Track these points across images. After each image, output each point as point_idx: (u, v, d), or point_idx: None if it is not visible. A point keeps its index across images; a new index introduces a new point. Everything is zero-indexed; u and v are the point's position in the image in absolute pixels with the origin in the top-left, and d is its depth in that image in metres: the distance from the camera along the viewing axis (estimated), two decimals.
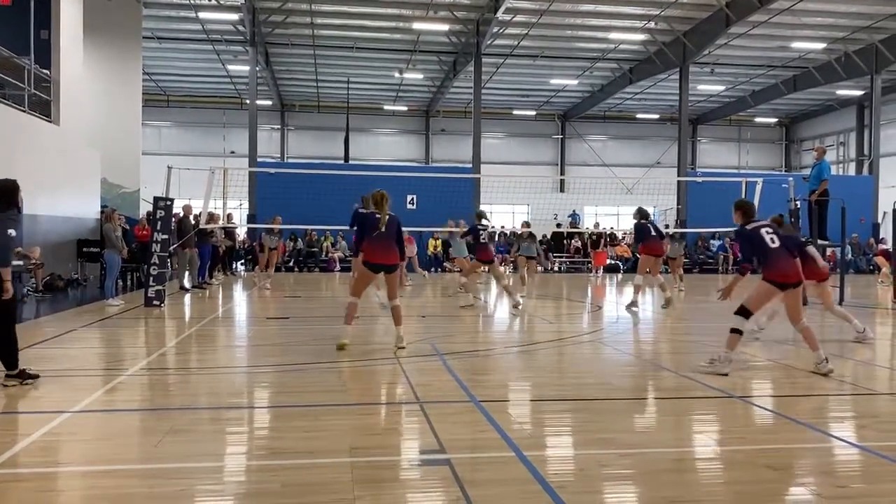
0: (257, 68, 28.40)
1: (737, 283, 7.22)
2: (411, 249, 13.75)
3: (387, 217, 8.14)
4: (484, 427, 4.92)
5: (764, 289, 6.87)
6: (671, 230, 19.20)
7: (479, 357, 8.05)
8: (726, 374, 6.64)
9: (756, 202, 15.62)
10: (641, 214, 13.52)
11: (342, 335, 8.05)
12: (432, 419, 5.07)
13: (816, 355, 6.86)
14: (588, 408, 5.63)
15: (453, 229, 16.41)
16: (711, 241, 29.71)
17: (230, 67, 31.75)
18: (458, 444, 4.51)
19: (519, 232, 17.83)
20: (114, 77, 22.14)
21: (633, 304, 12.93)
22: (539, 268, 22.59)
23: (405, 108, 39.37)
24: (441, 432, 4.73)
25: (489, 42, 27.83)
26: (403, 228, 8.47)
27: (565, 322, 11.88)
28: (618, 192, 32.00)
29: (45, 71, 16.66)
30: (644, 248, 13.20)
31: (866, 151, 34.46)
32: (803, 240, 10.02)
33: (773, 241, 6.87)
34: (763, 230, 6.95)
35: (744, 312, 6.83)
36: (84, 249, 17.60)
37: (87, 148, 19.33)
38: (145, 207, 21.41)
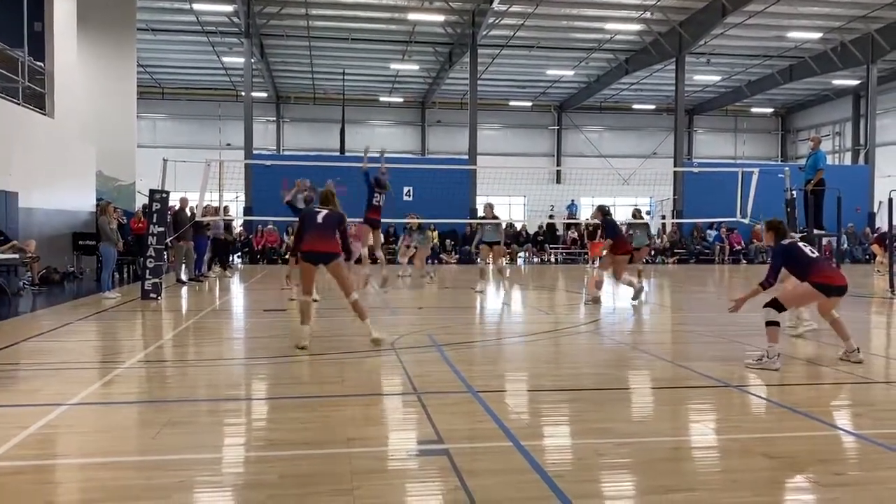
0: (252, 60, 28.31)
1: (753, 296, 7.09)
2: (367, 241, 13.18)
3: (326, 212, 7.78)
4: (481, 417, 4.93)
5: (808, 291, 6.86)
6: (651, 219, 19.08)
7: (477, 348, 8.05)
8: (777, 370, 6.44)
9: (752, 192, 15.66)
10: (605, 211, 13.00)
11: (301, 336, 7.56)
12: (430, 410, 5.08)
13: (848, 344, 6.91)
14: (585, 397, 5.65)
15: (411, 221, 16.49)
16: (708, 232, 29.75)
17: (225, 59, 31.65)
18: (455, 434, 4.52)
19: (481, 215, 16.09)
20: (108, 69, 22.05)
21: (638, 292, 12.57)
22: (505, 257, 22.17)
23: (401, 100, 39.29)
24: (439, 422, 4.74)
25: (485, 33, 27.77)
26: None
27: (562, 312, 11.90)
28: (614, 182, 32.04)
29: (38, 63, 16.59)
30: (616, 247, 12.54)
31: (862, 141, 34.50)
32: (800, 230, 10.06)
33: (813, 252, 7.01)
34: (800, 244, 7.05)
35: (776, 306, 6.77)
36: (80, 242, 17.57)
37: (82, 141, 19.27)
38: (141, 200, 21.35)
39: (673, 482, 3.73)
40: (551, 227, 29.98)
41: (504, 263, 15.25)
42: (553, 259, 28.53)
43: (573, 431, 4.80)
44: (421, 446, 4.31)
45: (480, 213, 15.38)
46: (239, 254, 25.97)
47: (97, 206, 17.39)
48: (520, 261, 28.77)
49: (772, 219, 7.42)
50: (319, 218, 7.71)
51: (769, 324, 6.70)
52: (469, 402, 5.35)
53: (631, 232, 15.21)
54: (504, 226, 20.49)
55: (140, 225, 17.48)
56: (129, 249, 17.11)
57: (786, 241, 7.05)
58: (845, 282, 6.89)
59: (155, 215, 13.05)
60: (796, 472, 3.96)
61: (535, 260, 28.46)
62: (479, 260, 17.32)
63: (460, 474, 3.75)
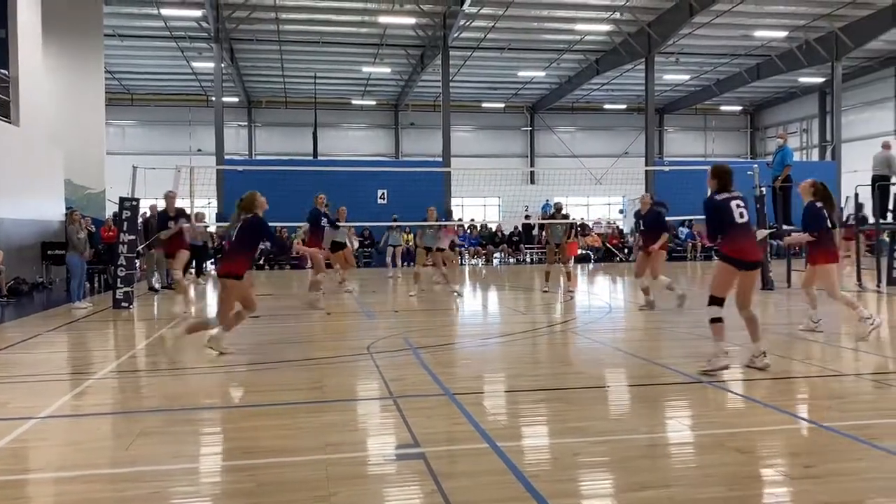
0: (222, 65, 28.08)
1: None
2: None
3: (236, 224, 7.50)
4: (458, 420, 4.94)
5: (720, 269, 6.37)
6: (624, 217, 19.03)
7: (453, 350, 8.07)
8: (727, 368, 6.20)
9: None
10: (656, 202, 12.43)
11: (217, 341, 7.48)
12: (406, 413, 5.08)
13: (755, 347, 6.41)
14: (562, 397, 5.68)
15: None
16: (680, 229, 30.05)
17: (195, 64, 31.34)
18: (432, 437, 4.53)
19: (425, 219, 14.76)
20: (75, 76, 21.75)
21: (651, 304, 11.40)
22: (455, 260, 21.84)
23: (373, 103, 39.23)
24: (415, 426, 4.74)
25: (456, 35, 27.81)
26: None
27: (538, 312, 11.95)
28: (587, 182, 32.25)
29: (3, 70, 16.31)
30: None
31: (828, 137, 35.10)
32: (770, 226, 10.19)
33: (742, 217, 6.28)
34: (734, 202, 6.31)
35: (714, 301, 6.33)
36: (49, 252, 17.29)
37: (50, 148, 18.98)
38: (111, 208, 21.09)
39: (648, 479, 3.77)
40: (527, 227, 30.08)
41: (444, 269, 14.47)
42: (528, 259, 28.64)
43: (550, 431, 4.83)
44: (398, 451, 4.31)
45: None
46: (212, 260, 25.72)
47: (67, 214, 17.14)
48: (495, 261, 28.84)
49: (721, 165, 6.62)
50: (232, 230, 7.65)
51: (712, 321, 6.33)
52: (446, 405, 5.36)
53: (551, 229, 14.81)
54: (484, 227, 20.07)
55: (110, 233, 17.27)
56: (100, 258, 16.88)
57: (720, 196, 6.37)
58: (757, 257, 6.37)
59: (125, 223, 12.90)
60: (768, 465, 4.02)
61: (511, 260, 28.55)
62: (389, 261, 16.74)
63: (437, 478, 3.76)
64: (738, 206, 6.30)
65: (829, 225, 8.43)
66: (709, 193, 6.50)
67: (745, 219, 6.30)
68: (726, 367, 6.20)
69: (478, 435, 4.55)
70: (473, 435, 4.57)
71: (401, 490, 3.75)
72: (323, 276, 12.20)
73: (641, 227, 11.86)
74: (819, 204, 8.31)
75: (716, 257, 6.50)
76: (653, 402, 5.56)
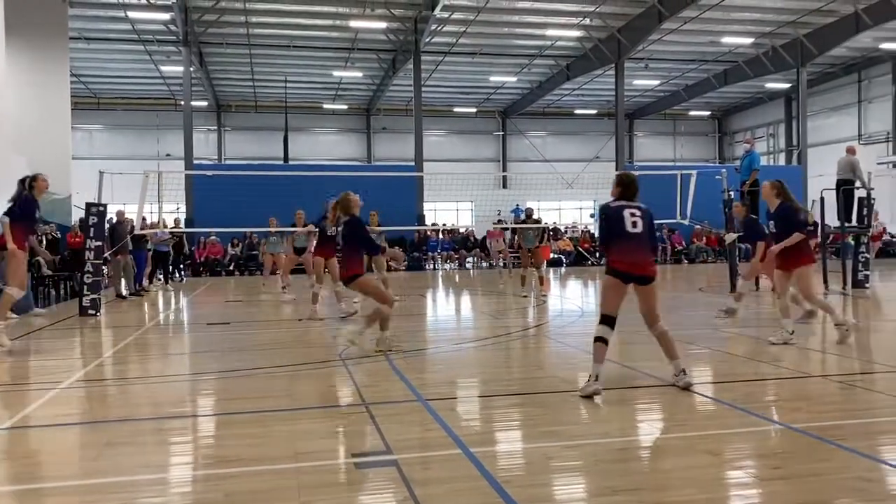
0: (191, 69, 27.79)
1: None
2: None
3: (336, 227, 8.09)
4: (431, 426, 4.92)
5: (606, 282, 5.91)
6: (596, 222, 18.97)
7: (425, 356, 8.05)
8: (599, 393, 5.65)
9: (691, 194, 16.05)
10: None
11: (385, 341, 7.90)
12: (378, 420, 5.04)
13: (675, 365, 5.97)
14: (534, 401, 5.69)
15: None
16: None
17: (163, 68, 31.00)
18: (404, 444, 4.50)
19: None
20: (39, 79, 21.32)
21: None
22: (392, 262, 21.56)
23: (345, 107, 39.11)
24: (387, 433, 4.71)
25: (427, 40, 27.85)
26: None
27: (511, 317, 11.97)
28: (559, 186, 32.48)
29: None
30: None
31: (795, 142, 35.73)
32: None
33: (635, 227, 5.81)
34: (628, 210, 5.86)
35: (603, 319, 5.89)
36: None
37: (13, 154, 18.57)
38: (77, 214, 20.72)
39: (620, 483, 3.78)
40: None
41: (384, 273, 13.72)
42: (502, 263, 28.69)
43: (522, 436, 4.83)
44: (370, 458, 4.28)
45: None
46: (181, 266, 25.41)
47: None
48: (468, 265, 28.89)
49: (626, 173, 6.27)
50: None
51: (595, 339, 5.84)
52: (418, 412, 5.34)
53: (523, 234, 14.84)
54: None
55: (77, 239, 16.97)
56: (66, 265, 16.58)
57: (615, 203, 5.95)
58: (647, 271, 5.85)
59: (92, 229, 12.69)
60: (737, 468, 4.06)
61: (483, 265, 28.60)
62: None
63: (409, 485, 3.74)
64: (632, 215, 5.82)
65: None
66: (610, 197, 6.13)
67: (639, 230, 5.80)
68: (597, 393, 5.62)
69: (451, 441, 4.53)
70: (446, 441, 4.55)
71: (373, 498, 3.72)
72: (319, 287, 11.83)
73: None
74: (788, 204, 8.24)
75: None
76: (625, 405, 5.59)
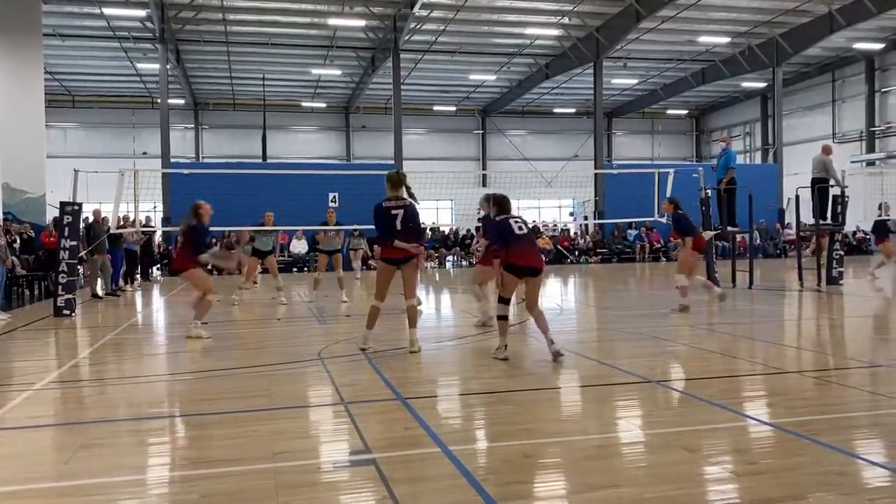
0: (168, 66, 27.52)
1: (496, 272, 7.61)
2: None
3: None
4: (410, 424, 4.92)
5: (506, 276, 7.22)
6: (574, 219, 19.23)
7: (405, 354, 8.03)
8: (505, 359, 7.07)
9: (668, 192, 16.17)
10: (676, 204, 11.71)
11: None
12: (357, 419, 5.03)
13: (547, 337, 7.18)
14: (513, 399, 5.70)
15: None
16: (628, 231, 30.55)
17: (139, 66, 30.67)
18: (383, 443, 4.49)
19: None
20: (12, 77, 20.98)
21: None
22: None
23: (324, 105, 38.92)
24: (366, 432, 4.70)
25: (407, 38, 27.80)
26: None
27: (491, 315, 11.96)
28: (538, 185, 32.58)
29: None
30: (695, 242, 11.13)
31: (770, 141, 36.14)
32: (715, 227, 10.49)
33: (521, 230, 7.26)
34: (511, 220, 7.34)
35: (501, 300, 7.29)
36: None
37: None
38: (52, 213, 20.44)
39: (598, 480, 3.80)
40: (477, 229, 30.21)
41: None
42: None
43: (501, 433, 4.84)
44: (349, 457, 4.27)
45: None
46: (158, 266, 25.18)
47: (4, 220, 16.57)
48: (448, 264, 28.91)
49: (498, 195, 7.82)
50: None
51: (498, 318, 7.30)
52: (398, 410, 5.33)
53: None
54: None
55: (51, 239, 16.73)
56: (41, 264, 16.36)
57: (499, 217, 7.45)
58: (535, 263, 7.20)
59: (67, 228, 12.53)
60: (714, 463, 4.10)
61: (464, 263, 28.63)
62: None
63: (388, 484, 3.73)
64: (515, 222, 7.30)
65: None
66: (492, 216, 7.87)
67: (524, 231, 7.27)
68: (506, 360, 7.08)
69: (430, 439, 4.53)
70: (425, 439, 4.55)
71: (352, 497, 3.71)
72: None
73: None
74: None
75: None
76: (602, 402, 5.62)
